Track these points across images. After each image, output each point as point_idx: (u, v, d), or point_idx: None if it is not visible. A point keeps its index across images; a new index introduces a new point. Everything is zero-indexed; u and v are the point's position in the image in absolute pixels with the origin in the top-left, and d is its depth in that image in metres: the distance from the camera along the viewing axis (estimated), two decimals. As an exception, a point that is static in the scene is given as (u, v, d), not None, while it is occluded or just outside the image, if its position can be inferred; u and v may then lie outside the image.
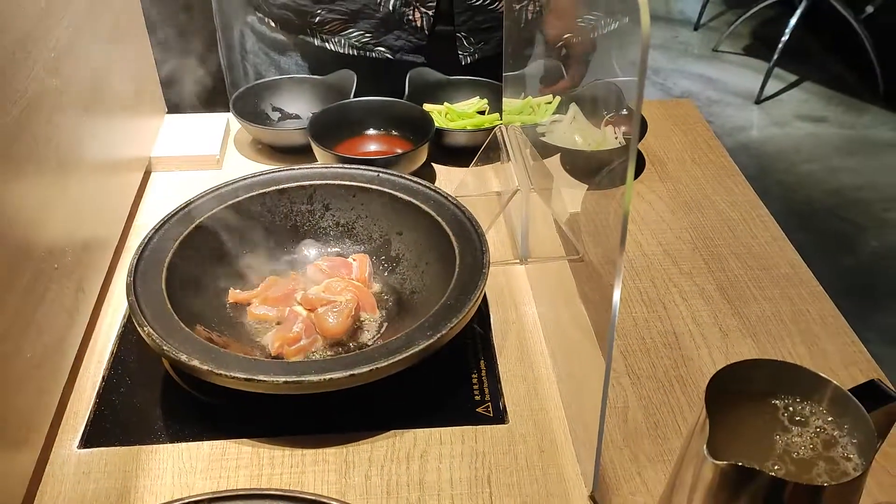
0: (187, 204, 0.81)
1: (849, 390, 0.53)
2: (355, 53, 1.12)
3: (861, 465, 0.50)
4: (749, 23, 3.67)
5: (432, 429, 0.68)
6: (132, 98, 0.94)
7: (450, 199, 0.82)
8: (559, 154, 0.87)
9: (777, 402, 0.55)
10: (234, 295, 0.78)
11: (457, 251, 0.76)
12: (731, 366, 0.54)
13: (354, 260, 0.82)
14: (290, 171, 0.86)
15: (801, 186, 2.66)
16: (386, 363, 0.64)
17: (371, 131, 1.04)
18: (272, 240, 0.84)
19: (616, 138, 0.89)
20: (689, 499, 0.52)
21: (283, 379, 0.63)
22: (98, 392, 0.71)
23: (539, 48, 0.92)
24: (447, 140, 1.02)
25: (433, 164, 1.03)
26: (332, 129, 1.01)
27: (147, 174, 0.99)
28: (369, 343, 0.75)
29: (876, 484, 0.64)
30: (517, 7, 0.89)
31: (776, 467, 0.51)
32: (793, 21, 3.16)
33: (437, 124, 1.00)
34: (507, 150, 0.88)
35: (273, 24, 1.14)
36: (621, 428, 0.68)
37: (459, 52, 1.12)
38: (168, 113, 1.08)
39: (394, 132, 1.04)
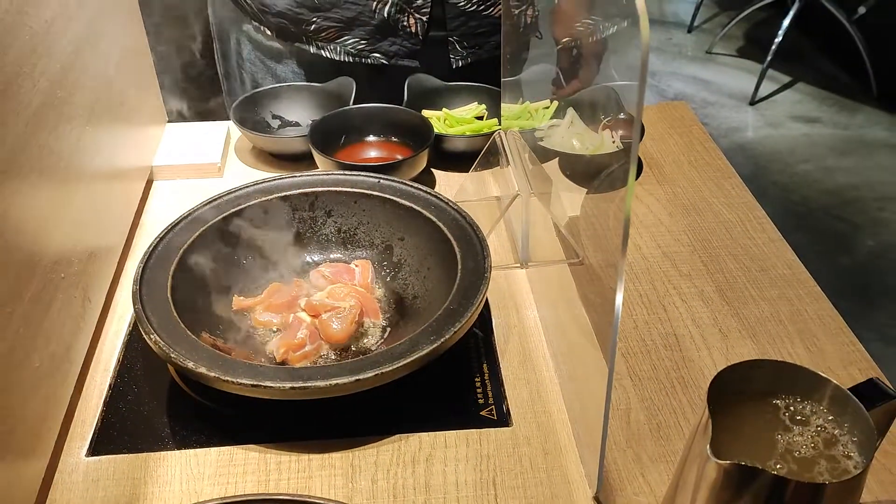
0: (191, 212, 0.82)
1: (848, 389, 0.53)
2: (351, 60, 1.13)
3: (862, 463, 0.51)
4: (742, 25, 3.69)
5: (437, 432, 0.69)
6: (134, 108, 0.95)
7: (451, 204, 0.83)
8: (557, 158, 0.88)
9: (778, 401, 0.55)
10: (239, 302, 0.79)
11: (458, 256, 0.77)
12: (733, 366, 0.55)
13: (357, 266, 0.82)
14: (292, 179, 0.87)
15: (797, 187, 2.68)
16: (391, 368, 0.65)
17: (371, 138, 1.05)
18: (275, 246, 0.84)
19: (613, 142, 0.90)
20: (693, 498, 0.53)
21: (290, 385, 0.64)
22: (105, 400, 0.72)
23: (537, 53, 0.93)
24: (446, 146, 1.03)
25: (432, 170, 1.03)
26: (332, 135, 1.02)
27: (149, 183, 1.00)
28: (373, 348, 0.76)
29: (877, 482, 0.64)
30: (515, 12, 0.90)
31: (778, 466, 0.52)
32: (786, 23, 3.18)
33: (435, 130, 1.01)
34: (506, 155, 0.89)
35: (269, 32, 1.15)
36: (624, 429, 0.69)
37: (452, 56, 1.13)
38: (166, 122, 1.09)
39: (393, 138, 1.05)
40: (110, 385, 0.73)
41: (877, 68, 3.16)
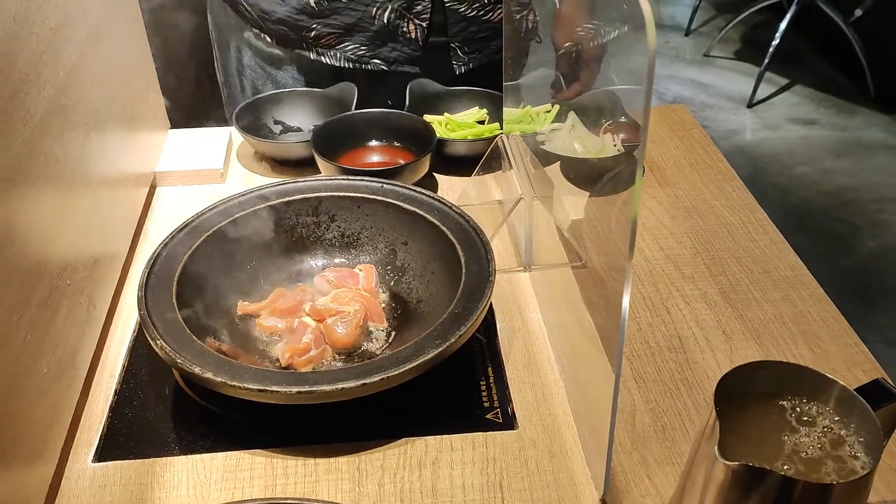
0: (194, 218, 0.82)
1: (854, 390, 0.54)
2: (351, 66, 1.13)
3: (869, 464, 0.51)
4: (739, 28, 3.70)
5: (443, 436, 0.69)
6: (136, 114, 0.95)
7: (454, 208, 0.83)
8: (559, 162, 0.88)
9: (784, 402, 0.56)
10: (243, 307, 0.79)
11: (462, 259, 0.77)
12: (738, 368, 0.55)
13: (361, 270, 0.83)
14: (296, 184, 0.87)
15: (796, 189, 2.68)
16: (397, 372, 0.65)
17: (373, 143, 1.06)
18: (279, 251, 0.85)
19: (615, 145, 0.90)
20: (701, 500, 0.53)
21: (297, 389, 0.64)
22: (111, 406, 0.72)
23: (539, 57, 0.93)
24: (448, 150, 1.03)
25: (434, 174, 1.04)
26: (334, 141, 1.02)
27: (152, 189, 1.00)
28: (378, 352, 0.76)
29: (883, 482, 0.65)
30: (517, 17, 0.90)
31: (785, 467, 0.52)
32: (783, 25, 3.19)
33: (437, 135, 1.01)
34: (509, 159, 0.90)
35: (269, 39, 1.15)
36: (629, 431, 0.69)
37: (454, 62, 1.14)
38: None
39: (396, 143, 1.05)
40: (116, 391, 0.73)
41: (874, 70, 3.17)
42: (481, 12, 1.11)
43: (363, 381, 0.64)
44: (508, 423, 0.70)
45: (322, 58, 1.13)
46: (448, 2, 1.09)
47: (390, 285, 0.84)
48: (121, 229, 0.88)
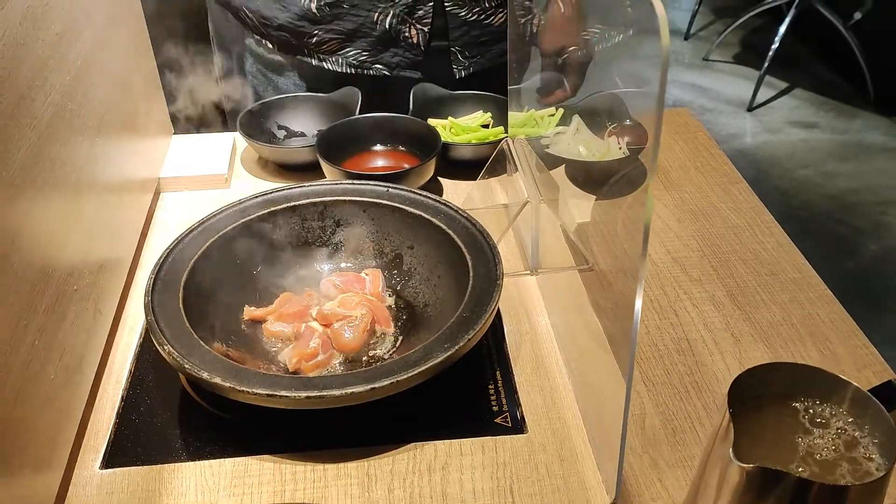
0: (200, 223, 0.81)
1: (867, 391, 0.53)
2: (353, 72, 1.13)
3: (884, 465, 0.51)
4: (738, 32, 3.71)
5: (452, 440, 0.68)
6: (141, 119, 0.95)
7: (460, 212, 0.83)
8: (564, 165, 0.88)
9: (797, 404, 0.55)
10: (250, 312, 0.79)
11: (469, 263, 0.77)
12: (751, 370, 0.55)
13: (367, 275, 0.82)
14: (301, 188, 0.87)
15: (797, 192, 2.68)
16: (406, 376, 0.65)
17: (378, 147, 1.05)
18: (285, 256, 0.84)
19: (620, 148, 0.90)
20: (715, 502, 0.52)
21: (305, 394, 0.63)
22: (118, 412, 0.71)
23: (544, 61, 0.93)
24: (453, 154, 1.03)
25: (439, 179, 1.03)
26: (339, 145, 1.01)
27: (157, 194, 1.00)
28: (385, 357, 0.76)
29: None
30: (521, 21, 0.90)
31: (800, 469, 0.52)
32: (782, 29, 3.19)
33: (442, 139, 1.01)
34: (514, 163, 0.89)
35: (271, 45, 1.15)
36: (639, 434, 0.69)
37: (454, 67, 1.14)
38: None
39: (400, 147, 1.05)
40: (123, 397, 0.73)
41: (873, 73, 3.18)
42: (482, 16, 1.11)
43: (372, 386, 0.64)
44: (518, 426, 0.70)
45: (324, 63, 1.13)
46: (449, 6, 1.09)
47: (397, 289, 0.83)
48: (126, 235, 0.87)
